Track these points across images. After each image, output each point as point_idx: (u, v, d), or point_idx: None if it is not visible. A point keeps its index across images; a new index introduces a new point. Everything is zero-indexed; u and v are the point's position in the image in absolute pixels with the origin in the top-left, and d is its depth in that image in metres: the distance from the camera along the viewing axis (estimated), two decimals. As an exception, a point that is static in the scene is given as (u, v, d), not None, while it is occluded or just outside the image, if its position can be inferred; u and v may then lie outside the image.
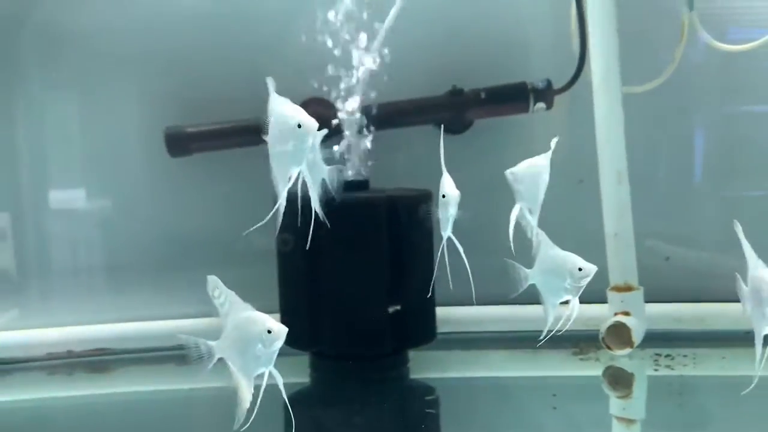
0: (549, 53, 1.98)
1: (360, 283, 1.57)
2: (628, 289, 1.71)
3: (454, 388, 1.66)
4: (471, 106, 1.88)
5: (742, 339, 1.76)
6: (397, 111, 1.85)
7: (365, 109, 1.74)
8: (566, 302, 1.24)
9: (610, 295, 1.73)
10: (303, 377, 1.67)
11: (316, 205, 1.16)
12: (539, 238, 1.21)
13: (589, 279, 1.18)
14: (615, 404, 1.55)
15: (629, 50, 1.77)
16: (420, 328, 1.65)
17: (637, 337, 1.68)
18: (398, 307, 1.53)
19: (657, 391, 1.61)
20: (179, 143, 1.85)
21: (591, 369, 1.69)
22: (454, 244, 1.25)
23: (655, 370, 1.64)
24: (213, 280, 1.03)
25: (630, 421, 1.48)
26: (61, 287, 1.97)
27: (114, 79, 1.93)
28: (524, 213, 1.22)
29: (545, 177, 1.23)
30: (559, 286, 1.20)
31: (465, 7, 1.96)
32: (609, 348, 1.69)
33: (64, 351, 1.84)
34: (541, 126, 1.96)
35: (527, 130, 1.96)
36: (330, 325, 1.57)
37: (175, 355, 1.81)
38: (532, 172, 1.23)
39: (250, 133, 1.91)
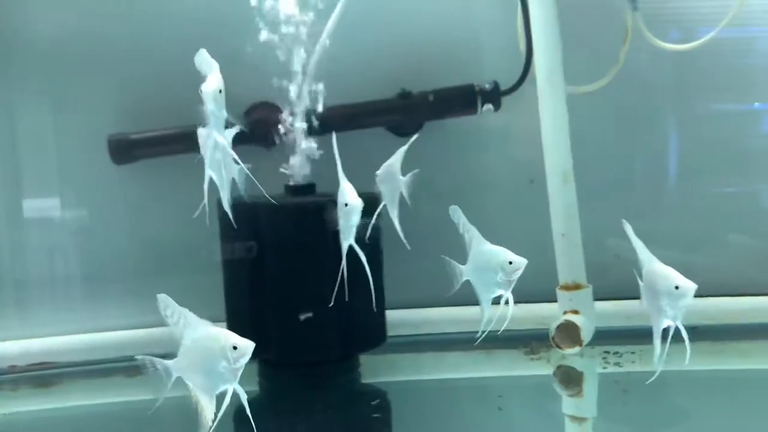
0: (499, 56, 1.98)
1: (306, 289, 1.55)
2: (576, 287, 1.72)
3: (405, 391, 1.66)
4: (419, 109, 1.87)
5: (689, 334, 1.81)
6: (346, 114, 1.84)
7: (313, 113, 1.73)
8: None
9: (560, 294, 1.74)
10: (252, 385, 1.65)
11: (226, 205, 1.19)
12: (471, 234, 1.21)
13: (519, 272, 1.19)
14: (567, 403, 1.56)
15: (575, 51, 1.80)
16: (369, 333, 1.64)
17: (586, 335, 1.69)
18: (310, 314, 1.52)
19: (606, 389, 1.62)
20: (123, 150, 1.82)
21: (542, 368, 1.70)
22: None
23: (604, 368, 1.65)
24: (163, 299, 0.99)
25: (581, 420, 1.50)
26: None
27: (83, 86, 1.90)
28: (459, 213, 1.22)
29: (398, 176, 1.31)
30: (491, 280, 1.20)
31: (414, 10, 1.95)
32: (559, 347, 1.70)
33: (7, 366, 1.80)
34: (496, 127, 1.99)
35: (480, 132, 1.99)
36: (277, 333, 1.56)
37: (124, 367, 1.82)
38: (389, 172, 1.30)
39: (195, 138, 1.92)
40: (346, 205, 1.25)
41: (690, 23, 1.99)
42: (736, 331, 1.87)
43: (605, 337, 1.79)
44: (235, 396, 1.00)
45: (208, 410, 0.98)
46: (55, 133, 1.95)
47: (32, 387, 1.75)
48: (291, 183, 1.67)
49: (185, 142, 1.80)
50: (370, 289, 1.52)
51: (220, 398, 1.00)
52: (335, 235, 1.55)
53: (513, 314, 1.27)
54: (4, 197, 1.94)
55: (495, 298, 1.25)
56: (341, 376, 1.64)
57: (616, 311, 1.85)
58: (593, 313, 1.75)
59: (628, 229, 1.17)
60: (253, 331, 1.57)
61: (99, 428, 1.57)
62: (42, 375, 1.80)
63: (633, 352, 1.71)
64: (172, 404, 1.04)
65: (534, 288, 1.55)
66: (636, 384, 1.60)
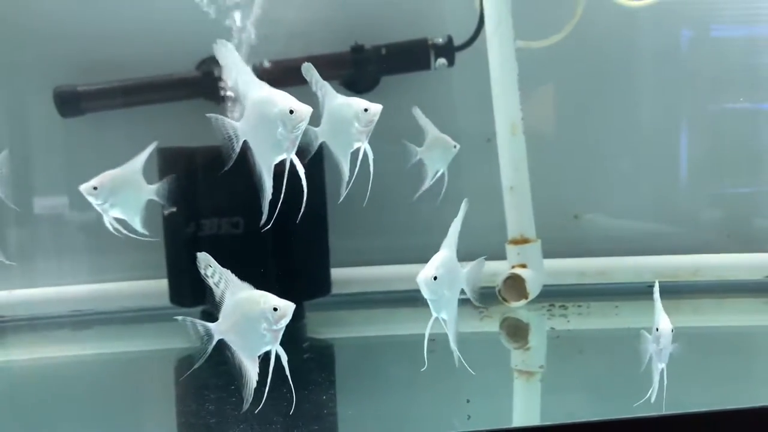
0: (456, 11, 1.97)
1: (247, 237, 1.54)
2: (524, 241, 1.71)
3: (349, 345, 1.66)
4: (372, 63, 1.85)
5: (643, 292, 1.81)
6: (295, 68, 1.82)
7: (259, 66, 1.71)
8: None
9: (508, 248, 1.73)
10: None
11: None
12: (324, 90, 1.08)
13: (375, 120, 1.07)
14: (515, 356, 1.56)
15: (529, 6, 1.78)
16: (312, 282, 1.63)
17: (532, 288, 1.68)
18: (173, 209, 1.51)
19: (552, 343, 1.61)
20: (70, 102, 1.80)
21: (489, 325, 1.67)
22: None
23: (549, 319, 1.65)
24: (204, 258, 0.97)
25: (529, 374, 1.49)
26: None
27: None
28: (312, 71, 1.08)
29: None
30: (348, 133, 1.08)
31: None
32: (505, 301, 1.69)
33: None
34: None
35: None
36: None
37: (69, 322, 1.81)
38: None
39: (144, 92, 1.90)
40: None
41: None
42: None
43: (559, 294, 1.78)
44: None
45: (252, 372, 0.97)
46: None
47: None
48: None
49: (135, 94, 1.81)
50: (315, 239, 1.52)
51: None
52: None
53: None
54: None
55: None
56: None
57: (569, 268, 1.86)
58: (542, 268, 1.74)
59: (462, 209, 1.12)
60: (191, 280, 1.62)
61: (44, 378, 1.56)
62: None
63: (580, 305, 1.71)
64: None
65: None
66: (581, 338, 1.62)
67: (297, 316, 1.63)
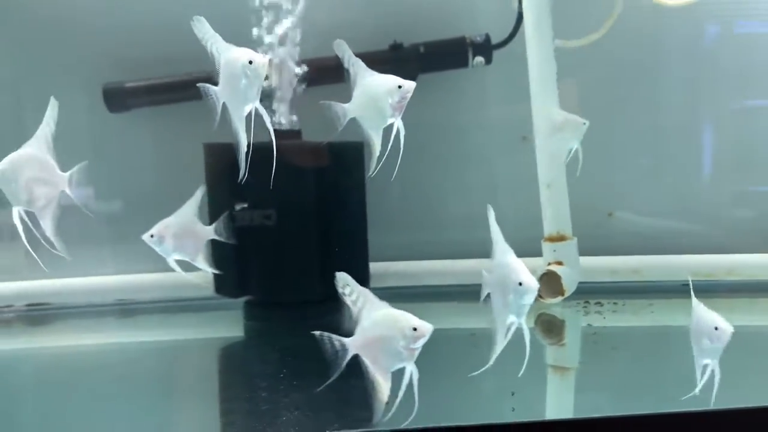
0: (493, 10, 1.98)
1: (289, 230, 1.58)
2: (561, 239, 1.73)
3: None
4: (410, 61, 1.87)
5: (676, 290, 1.82)
6: (335, 66, 1.85)
7: (300, 64, 1.75)
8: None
9: (544, 245, 1.75)
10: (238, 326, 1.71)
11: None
12: (356, 67, 1.11)
13: (408, 96, 1.08)
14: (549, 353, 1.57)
15: (568, 5, 1.79)
16: (351, 275, 1.66)
17: (568, 285, 1.70)
18: (245, 205, 1.55)
19: (587, 339, 1.63)
20: (118, 99, 1.85)
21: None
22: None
23: (585, 315, 1.67)
24: (343, 277, 1.02)
25: (564, 369, 1.51)
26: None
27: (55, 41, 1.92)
28: (344, 47, 1.14)
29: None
30: (381, 109, 1.09)
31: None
32: (540, 297, 1.70)
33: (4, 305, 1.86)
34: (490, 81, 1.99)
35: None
36: (259, 273, 1.59)
37: (116, 310, 1.87)
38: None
39: (191, 88, 1.94)
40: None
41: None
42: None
43: (593, 292, 1.79)
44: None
45: (384, 387, 1.00)
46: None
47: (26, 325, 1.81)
48: (277, 128, 1.70)
49: (181, 90, 1.84)
50: (354, 233, 1.55)
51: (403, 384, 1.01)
52: (317, 177, 1.59)
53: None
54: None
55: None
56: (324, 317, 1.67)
57: (602, 266, 1.87)
58: (578, 265, 1.76)
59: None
60: (237, 272, 1.66)
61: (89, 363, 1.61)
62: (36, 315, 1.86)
63: (615, 303, 1.73)
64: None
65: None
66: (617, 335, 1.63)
67: (335, 308, 1.71)
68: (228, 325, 1.74)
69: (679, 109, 2.06)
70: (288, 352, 1.53)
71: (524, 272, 1.05)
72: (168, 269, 1.91)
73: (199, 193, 1.32)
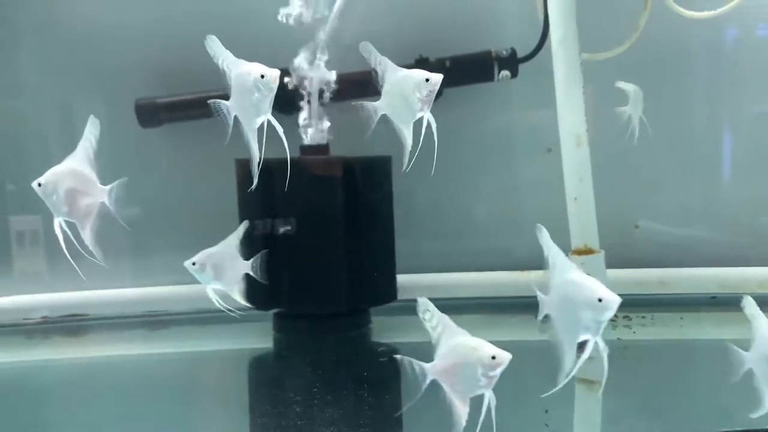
0: (519, 23, 2.00)
1: (318, 244, 1.61)
2: (588, 252, 1.72)
3: (414, 350, 1.69)
4: (436, 75, 1.90)
5: (704, 303, 1.80)
6: (361, 80, 1.88)
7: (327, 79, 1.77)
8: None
9: (571, 258, 1.74)
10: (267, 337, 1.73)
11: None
12: (384, 65, 1.14)
13: (436, 89, 1.11)
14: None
15: (593, 18, 1.80)
16: (379, 289, 1.68)
17: (596, 298, 1.70)
18: (288, 228, 1.57)
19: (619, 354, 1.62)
20: (150, 114, 1.89)
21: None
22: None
23: (613, 329, 1.67)
24: (424, 303, 1.04)
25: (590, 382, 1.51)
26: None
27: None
28: (369, 48, 1.15)
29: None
30: (410, 104, 1.12)
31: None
32: (568, 310, 1.71)
33: (39, 317, 1.91)
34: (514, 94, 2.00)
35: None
36: (289, 286, 1.61)
37: (146, 322, 1.90)
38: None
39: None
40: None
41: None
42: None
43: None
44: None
45: (462, 412, 1.02)
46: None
47: (62, 336, 1.85)
48: (306, 143, 1.73)
49: (207, 106, 1.91)
50: (382, 247, 1.55)
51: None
52: (347, 192, 1.61)
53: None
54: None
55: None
56: (351, 331, 1.69)
57: (628, 278, 1.88)
58: (605, 279, 1.75)
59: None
60: (267, 285, 1.68)
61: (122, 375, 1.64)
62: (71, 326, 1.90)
63: (644, 316, 1.72)
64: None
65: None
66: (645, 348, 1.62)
67: (363, 322, 1.72)
68: (258, 337, 1.76)
69: (703, 118, 2.06)
70: (319, 365, 1.56)
71: (601, 288, 1.02)
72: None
73: (242, 228, 1.39)
